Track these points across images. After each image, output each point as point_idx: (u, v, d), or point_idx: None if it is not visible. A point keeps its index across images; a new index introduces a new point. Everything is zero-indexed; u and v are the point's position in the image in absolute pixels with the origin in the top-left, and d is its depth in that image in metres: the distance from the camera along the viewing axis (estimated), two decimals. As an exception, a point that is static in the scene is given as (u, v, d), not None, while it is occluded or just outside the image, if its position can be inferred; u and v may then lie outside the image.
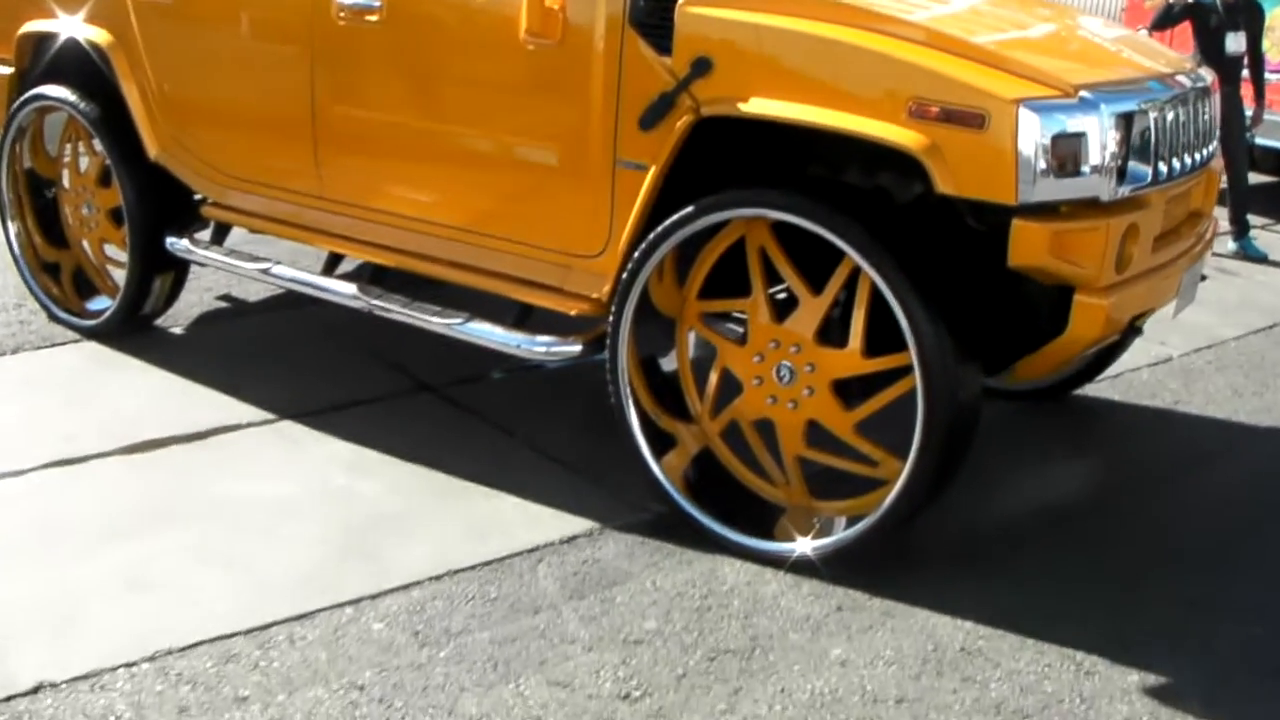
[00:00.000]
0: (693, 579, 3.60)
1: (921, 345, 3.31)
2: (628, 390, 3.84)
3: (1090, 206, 3.29)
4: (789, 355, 3.61)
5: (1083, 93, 3.27)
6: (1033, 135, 3.13)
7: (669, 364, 3.93)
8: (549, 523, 3.88)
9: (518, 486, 4.07)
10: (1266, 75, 7.42)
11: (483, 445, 4.35)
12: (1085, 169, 3.23)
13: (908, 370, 3.46)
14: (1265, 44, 7.36)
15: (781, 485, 3.81)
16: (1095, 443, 4.57)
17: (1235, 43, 7.03)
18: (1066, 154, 3.19)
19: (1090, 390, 4.82)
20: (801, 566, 3.61)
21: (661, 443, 3.89)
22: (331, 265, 4.53)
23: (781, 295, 3.79)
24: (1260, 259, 7.07)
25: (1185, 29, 7.47)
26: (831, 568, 3.57)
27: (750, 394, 3.72)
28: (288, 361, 4.97)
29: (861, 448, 3.62)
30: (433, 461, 4.20)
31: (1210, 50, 7.08)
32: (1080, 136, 3.21)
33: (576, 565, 3.66)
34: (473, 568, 3.63)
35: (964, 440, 3.42)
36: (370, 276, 4.35)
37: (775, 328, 3.63)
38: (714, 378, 3.82)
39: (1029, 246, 3.22)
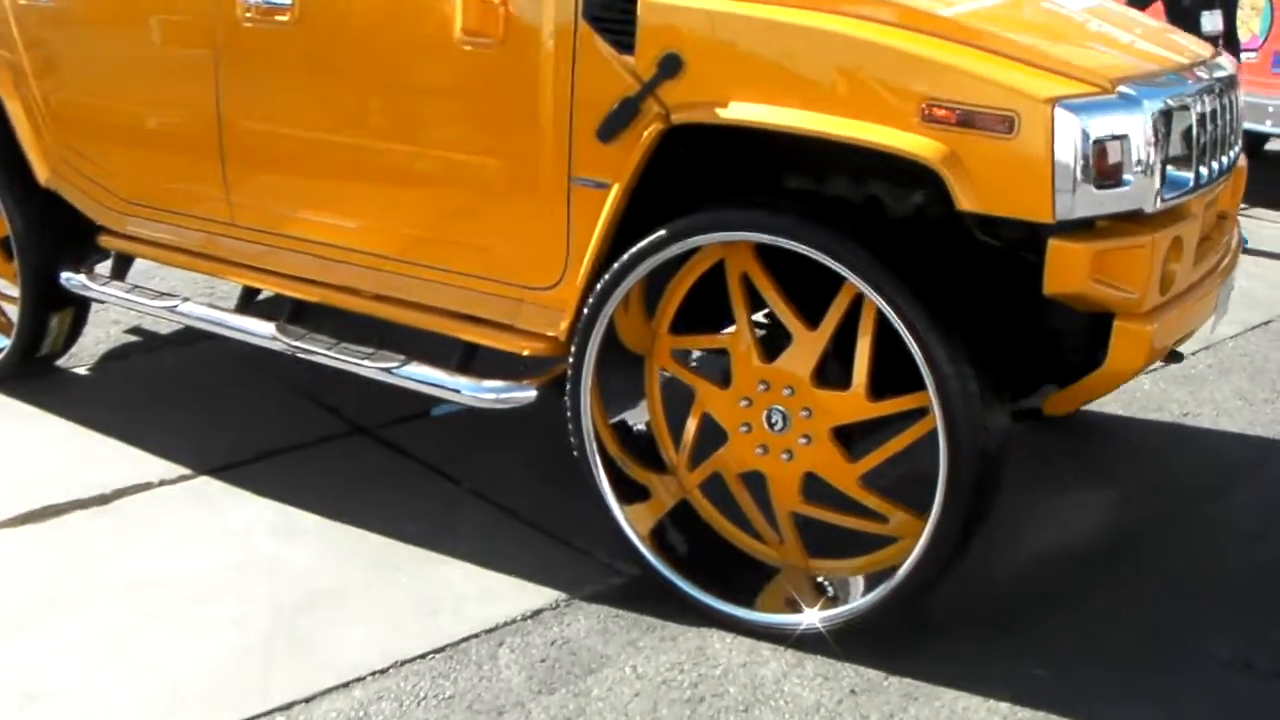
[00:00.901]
0: (679, 661, 3.06)
1: (942, 387, 2.78)
2: (592, 438, 3.28)
3: (1130, 220, 2.77)
4: (781, 399, 3.07)
5: (1121, 88, 2.74)
6: (1071, 140, 2.60)
7: (637, 416, 3.37)
8: (507, 593, 3.32)
9: (469, 548, 3.51)
10: (1242, 55, 6.95)
11: (427, 498, 3.78)
12: (1129, 177, 2.71)
13: (921, 413, 2.94)
14: (1237, 22, 6.89)
15: (773, 543, 3.28)
16: (1109, 469, 4.06)
17: (1211, 23, 6.54)
18: (1109, 161, 2.66)
19: (1095, 406, 4.31)
20: (804, 641, 3.07)
21: (633, 493, 3.35)
22: (248, 299, 3.93)
23: (763, 326, 3.25)
24: (1243, 246, 6.60)
25: (1157, 9, 6.98)
26: (841, 642, 3.04)
27: (737, 443, 3.18)
28: (205, 404, 4.37)
29: (869, 502, 3.09)
30: (371, 520, 3.63)
31: (1185, 30, 6.58)
32: (1123, 139, 2.68)
33: (543, 648, 3.10)
34: (423, 656, 3.07)
35: (993, 491, 2.89)
36: (291, 313, 3.76)
37: (764, 367, 3.09)
38: (692, 425, 3.27)
39: (1069, 271, 2.69)
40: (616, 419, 3.35)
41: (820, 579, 3.19)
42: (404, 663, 3.05)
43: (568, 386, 3.26)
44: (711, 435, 3.22)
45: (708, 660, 3.05)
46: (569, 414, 3.27)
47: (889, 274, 2.80)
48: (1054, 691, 2.93)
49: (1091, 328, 2.96)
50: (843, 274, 2.85)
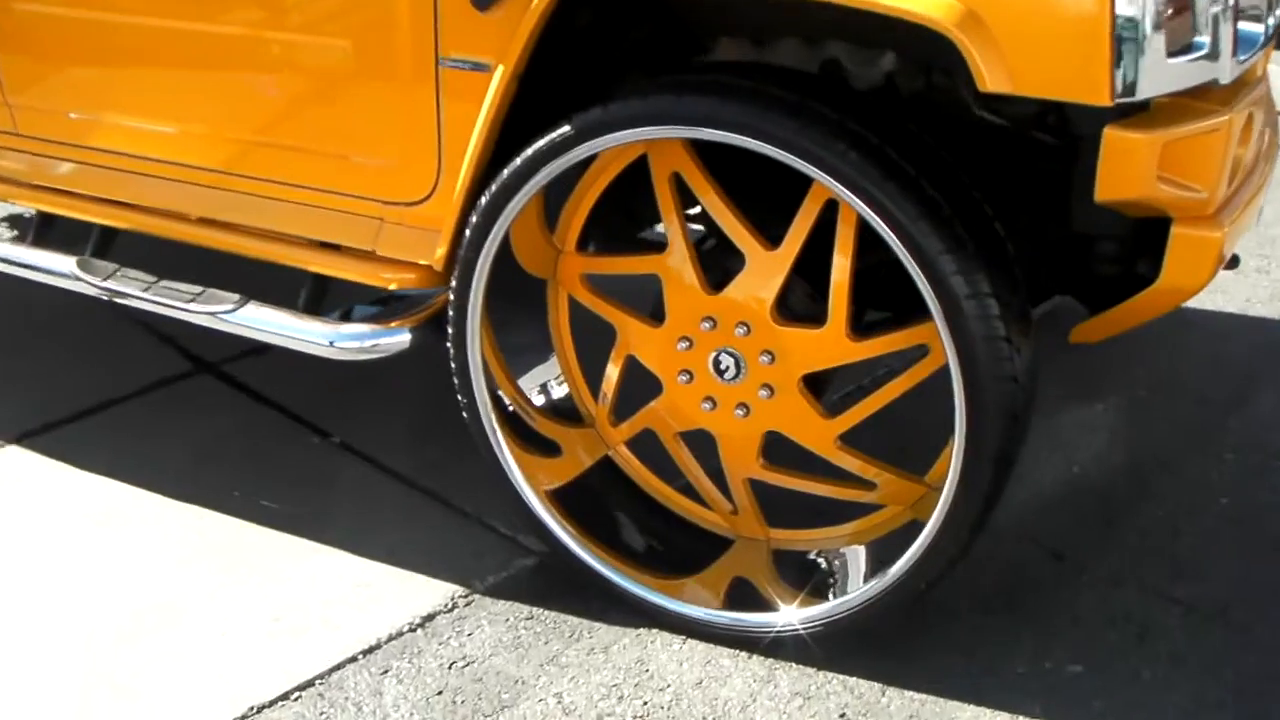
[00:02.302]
0: (615, 683, 2.32)
1: (957, 318, 2.02)
2: (483, 387, 2.49)
3: (1196, 96, 2.01)
4: (733, 339, 2.30)
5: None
6: (1137, -9, 1.82)
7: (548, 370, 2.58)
8: (390, 591, 2.55)
9: (340, 528, 2.73)
10: None
11: (287, 460, 2.98)
12: (1201, 40, 1.94)
13: (919, 354, 2.19)
14: None
15: (724, 512, 2.53)
16: (1111, 376, 3.33)
17: None
18: (1180, 21, 1.89)
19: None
20: (776, 648, 2.35)
21: (539, 448, 2.58)
22: (44, 228, 3.02)
23: (704, 240, 2.47)
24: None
25: None
26: (823, 649, 2.32)
27: (675, 396, 2.40)
28: (6, 349, 3.50)
29: (850, 466, 2.35)
30: (218, 495, 2.83)
31: None
32: (1195, -12, 1.90)
33: (440, 675, 2.34)
34: (285, 697, 2.30)
35: (1019, 445, 2.15)
36: (97, 245, 2.88)
37: (709, 298, 2.30)
38: (613, 371, 2.49)
39: (1131, 169, 1.92)
40: (518, 360, 2.56)
41: (810, 560, 2.45)
42: (260, 709, 2.28)
43: (450, 329, 2.45)
44: (644, 382, 2.44)
45: (652, 680, 2.32)
46: (453, 362, 2.47)
47: (875, 172, 2.01)
48: (1098, 694, 2.24)
49: (1133, 232, 2.22)
50: (815, 175, 2.06)
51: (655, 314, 2.39)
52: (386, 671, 2.35)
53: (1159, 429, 2.99)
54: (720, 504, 2.53)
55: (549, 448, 2.58)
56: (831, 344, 2.23)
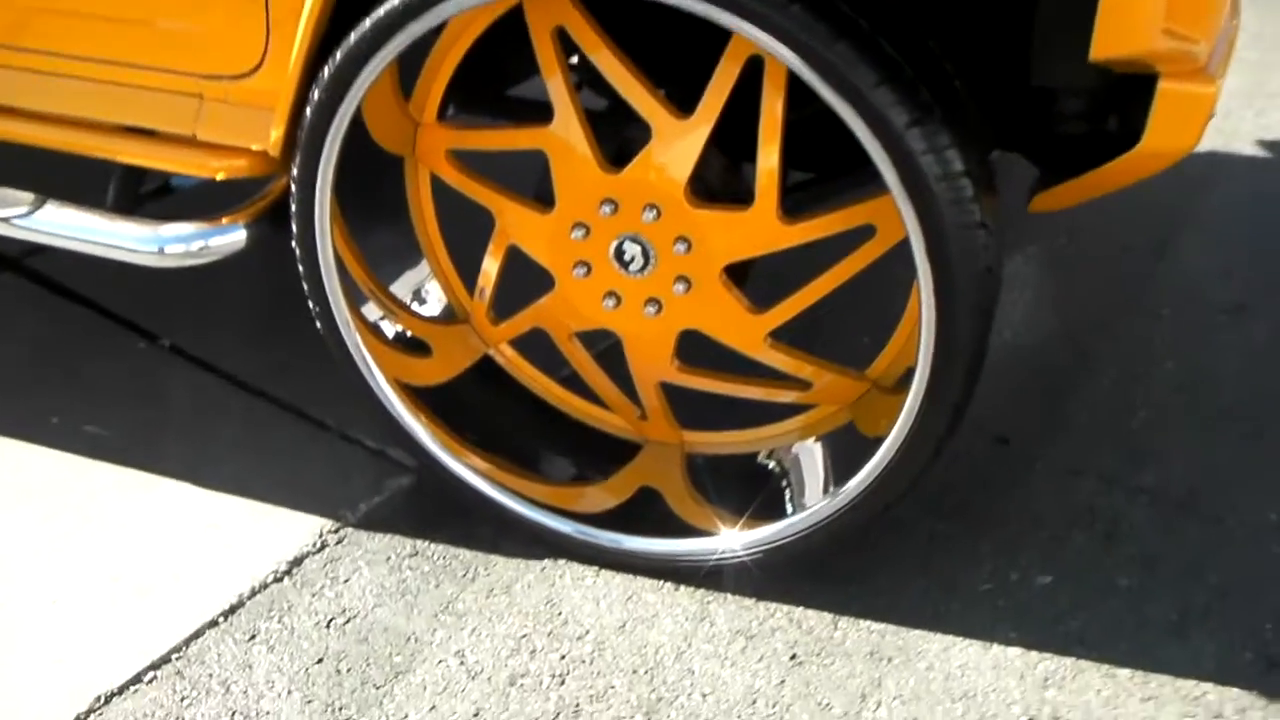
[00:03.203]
0: (525, 633, 1.95)
1: (927, 205, 1.64)
2: (338, 290, 2.05)
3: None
4: (640, 225, 1.89)
5: None
6: None
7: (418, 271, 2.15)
8: (246, 534, 2.13)
9: (177, 452, 2.30)
10: None
11: (107, 375, 2.50)
12: None
13: (865, 236, 1.82)
14: None
15: (628, 414, 2.16)
16: (1044, 241, 2.97)
17: None
18: None
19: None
20: (711, 579, 2.00)
21: (407, 348, 2.17)
22: None
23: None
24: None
25: None
26: (772, 574, 1.98)
27: (570, 292, 2.00)
28: None
29: (783, 366, 1.98)
30: (27, 425, 2.36)
31: None
32: None
33: (317, 637, 1.95)
34: (138, 680, 1.89)
35: (988, 330, 1.80)
36: None
37: (607, 177, 1.88)
38: (492, 264, 2.07)
39: (1138, 21, 1.54)
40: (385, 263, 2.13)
41: (759, 467, 2.10)
42: (109, 699, 1.86)
43: (294, 225, 2.00)
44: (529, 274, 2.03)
45: (566, 626, 1.96)
46: (300, 264, 2.03)
47: (824, 26, 1.61)
48: (1074, 611, 1.94)
49: (1103, 85, 1.85)
50: (752, 36, 1.64)
51: (541, 196, 1.97)
52: (254, 637, 1.95)
53: (1087, 283, 2.68)
54: (625, 409, 2.15)
55: (417, 348, 2.17)
56: (760, 228, 1.84)
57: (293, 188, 1.96)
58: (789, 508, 2.01)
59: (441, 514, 2.14)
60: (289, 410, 2.40)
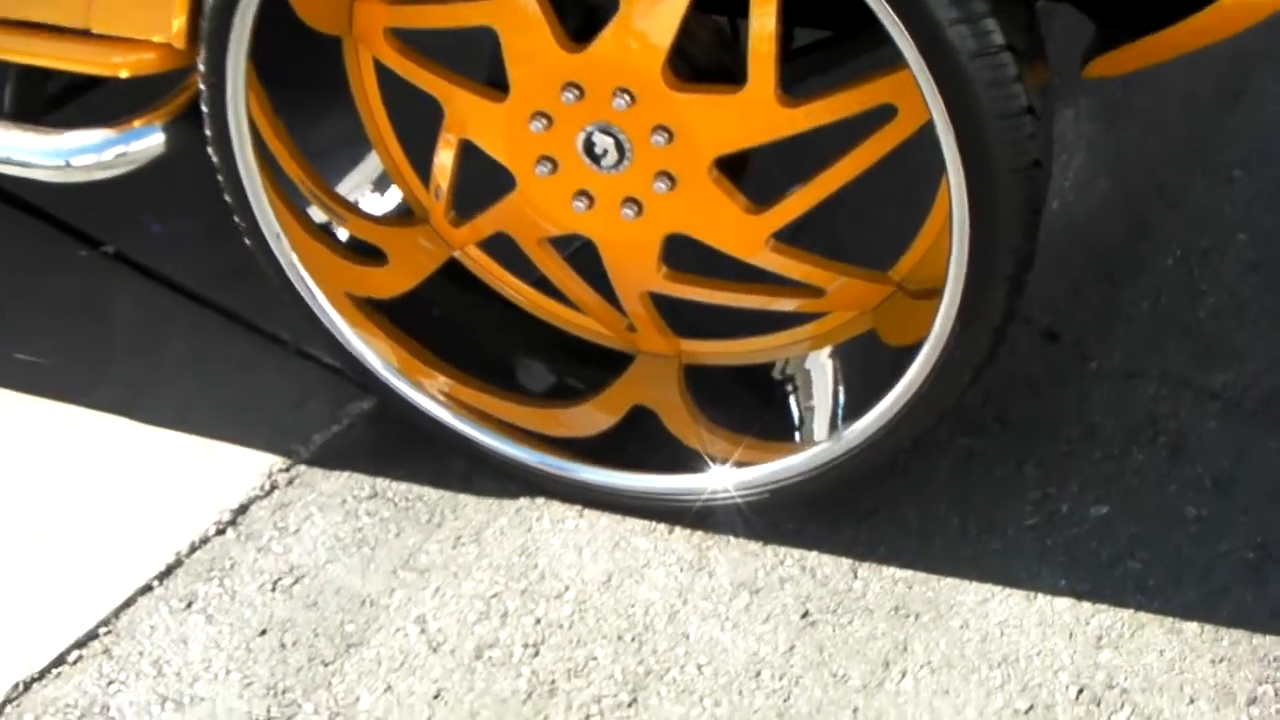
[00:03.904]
0: (495, 591, 1.67)
1: (960, 89, 1.30)
2: (260, 190, 1.73)
3: None
4: (610, 113, 1.55)
5: None
6: None
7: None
8: (187, 476, 1.86)
9: (115, 383, 2.01)
10: None
11: (42, 283, 2.20)
12: None
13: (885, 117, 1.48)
14: None
15: (617, 328, 1.85)
16: (1097, 94, 2.56)
17: None
18: None
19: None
20: (704, 521, 1.71)
21: (358, 254, 1.86)
22: None
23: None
24: None
25: None
26: (771, 518, 1.68)
27: (533, 193, 1.67)
28: None
29: (791, 272, 1.65)
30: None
31: None
32: None
33: (262, 604, 1.68)
34: (61, 661, 1.64)
35: (1035, 236, 1.46)
36: None
37: (569, 56, 1.54)
38: (446, 157, 1.74)
39: None
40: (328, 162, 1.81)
41: (773, 382, 1.80)
42: (29, 686, 1.61)
43: (207, 123, 1.68)
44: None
45: (543, 582, 1.67)
46: (219, 173, 1.72)
47: None
48: (1134, 548, 1.64)
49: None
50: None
51: (495, 81, 1.63)
52: (191, 604, 1.69)
53: (1147, 141, 2.31)
54: (613, 321, 1.84)
55: (372, 256, 1.86)
56: (756, 112, 1.50)
57: (200, 84, 1.64)
58: (797, 438, 1.71)
59: (406, 445, 1.85)
60: (240, 322, 2.10)
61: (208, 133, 1.67)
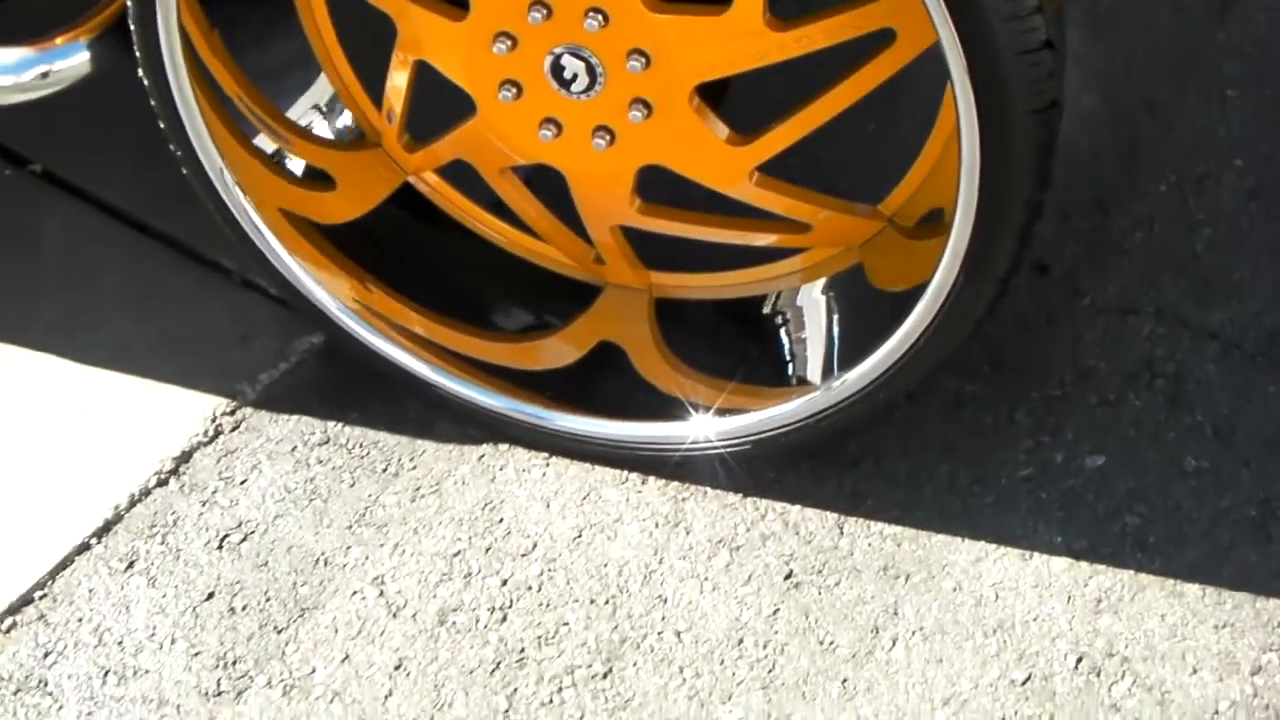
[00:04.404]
0: (459, 545, 1.55)
1: (974, 20, 1.16)
2: (192, 98, 1.57)
3: None
4: (581, 35, 1.40)
5: None
6: None
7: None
8: (125, 421, 1.73)
9: (45, 318, 1.86)
10: None
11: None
12: None
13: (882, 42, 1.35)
14: None
15: (583, 260, 1.72)
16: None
17: None
18: None
19: None
20: (683, 472, 1.59)
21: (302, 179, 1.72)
22: None
23: None
24: None
25: None
26: (751, 468, 1.57)
27: (495, 119, 1.52)
28: None
29: (775, 206, 1.52)
30: None
31: None
32: None
33: (209, 564, 1.56)
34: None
35: (1048, 179, 1.33)
36: None
37: (534, -28, 1.39)
38: (400, 79, 1.58)
39: None
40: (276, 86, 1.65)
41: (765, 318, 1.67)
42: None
43: (135, 40, 1.51)
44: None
45: (510, 538, 1.56)
46: (152, 99, 1.55)
47: None
48: (1132, 502, 1.54)
49: None
50: None
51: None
52: (132, 565, 1.56)
53: (1135, 54, 2.17)
54: (579, 251, 1.71)
55: (320, 180, 1.71)
56: (742, 35, 1.35)
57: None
58: (789, 371, 1.60)
59: (359, 385, 1.72)
60: (180, 249, 1.95)
61: (136, 53, 1.50)
